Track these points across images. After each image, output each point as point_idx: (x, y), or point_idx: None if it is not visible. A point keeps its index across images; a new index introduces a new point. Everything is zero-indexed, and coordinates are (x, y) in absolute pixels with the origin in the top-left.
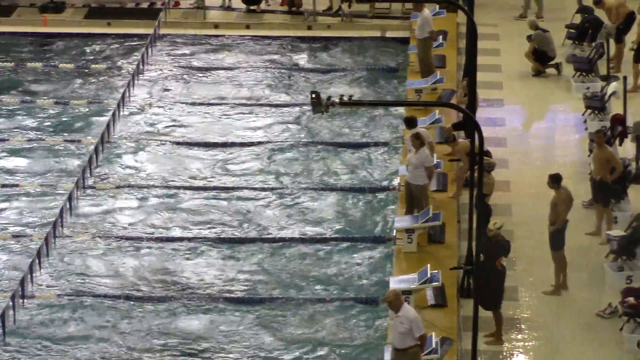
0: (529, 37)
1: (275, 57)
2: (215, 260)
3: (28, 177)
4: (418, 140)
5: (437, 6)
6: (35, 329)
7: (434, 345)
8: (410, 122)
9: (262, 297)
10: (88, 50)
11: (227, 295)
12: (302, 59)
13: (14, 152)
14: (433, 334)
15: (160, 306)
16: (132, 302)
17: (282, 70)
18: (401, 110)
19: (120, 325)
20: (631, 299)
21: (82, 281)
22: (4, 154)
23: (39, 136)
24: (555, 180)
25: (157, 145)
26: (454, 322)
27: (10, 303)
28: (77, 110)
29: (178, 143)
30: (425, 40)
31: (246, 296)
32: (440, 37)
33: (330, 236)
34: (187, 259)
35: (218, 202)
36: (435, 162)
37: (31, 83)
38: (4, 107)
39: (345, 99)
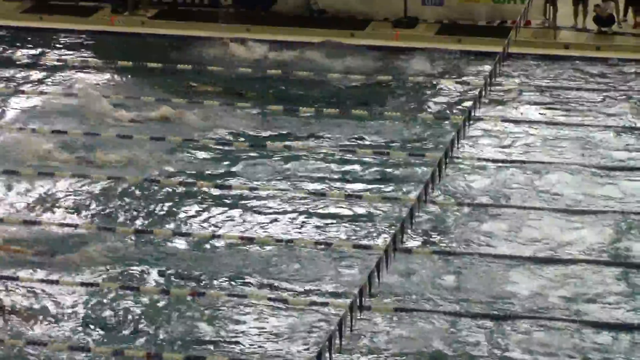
0: None
1: (630, 83)
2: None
3: (370, 189)
4: None
5: None
6: (366, 341)
7: None
8: None
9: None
10: (436, 66)
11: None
12: None
13: (354, 162)
14: None
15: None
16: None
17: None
18: None
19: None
20: None
21: (423, 297)
22: (345, 162)
23: (384, 149)
24: None
25: (500, 164)
26: None
27: (348, 312)
28: (423, 124)
29: (521, 161)
30: None
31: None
32: None
33: None
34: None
35: (557, 223)
36: None
37: (380, 95)
38: (351, 121)
39: None
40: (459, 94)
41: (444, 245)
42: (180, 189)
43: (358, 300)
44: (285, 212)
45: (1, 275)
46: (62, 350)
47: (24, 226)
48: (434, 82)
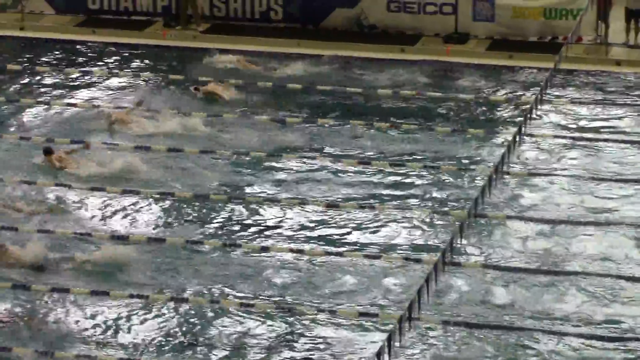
0: None
1: None
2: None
3: (420, 203)
4: None
5: None
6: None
7: None
8: None
9: None
10: (487, 82)
11: None
12: None
13: (403, 176)
14: None
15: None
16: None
17: None
18: None
19: None
20: None
21: (468, 311)
22: (394, 175)
23: (434, 164)
24: None
25: (552, 179)
26: None
27: (397, 325)
28: (472, 139)
29: (570, 176)
30: None
31: None
32: None
33: None
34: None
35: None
36: None
37: (430, 111)
38: (401, 134)
39: None
40: (509, 109)
41: (493, 259)
42: (230, 202)
43: (407, 313)
44: (333, 225)
45: (53, 288)
46: None
47: (74, 239)
48: (484, 98)
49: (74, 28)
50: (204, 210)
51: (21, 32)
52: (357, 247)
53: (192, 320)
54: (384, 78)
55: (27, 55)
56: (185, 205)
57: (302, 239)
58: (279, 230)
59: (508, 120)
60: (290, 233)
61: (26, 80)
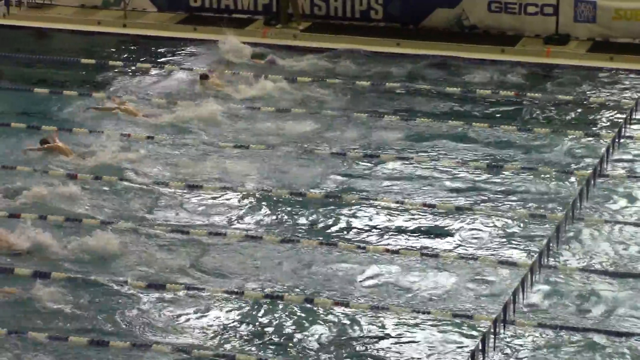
0: None
1: None
2: None
3: (517, 205)
4: None
5: None
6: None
7: None
8: None
9: None
10: (587, 84)
11: None
12: None
13: (500, 177)
14: None
15: None
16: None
17: None
18: None
19: None
20: None
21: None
22: (492, 176)
23: (532, 165)
24: None
25: None
26: None
27: (492, 327)
28: (571, 141)
29: None
30: None
31: None
32: None
33: None
34: None
35: None
36: None
37: (529, 112)
38: (499, 134)
39: None
40: (609, 111)
41: (590, 262)
42: (326, 201)
43: (502, 315)
44: (429, 226)
45: (149, 284)
46: (207, 357)
47: (173, 233)
48: (584, 100)
49: (175, 25)
50: (300, 209)
51: (123, 29)
52: (453, 248)
53: (285, 318)
54: (483, 78)
55: (129, 53)
56: (281, 203)
57: (398, 239)
58: (374, 230)
59: (607, 122)
60: (385, 233)
61: (127, 77)
